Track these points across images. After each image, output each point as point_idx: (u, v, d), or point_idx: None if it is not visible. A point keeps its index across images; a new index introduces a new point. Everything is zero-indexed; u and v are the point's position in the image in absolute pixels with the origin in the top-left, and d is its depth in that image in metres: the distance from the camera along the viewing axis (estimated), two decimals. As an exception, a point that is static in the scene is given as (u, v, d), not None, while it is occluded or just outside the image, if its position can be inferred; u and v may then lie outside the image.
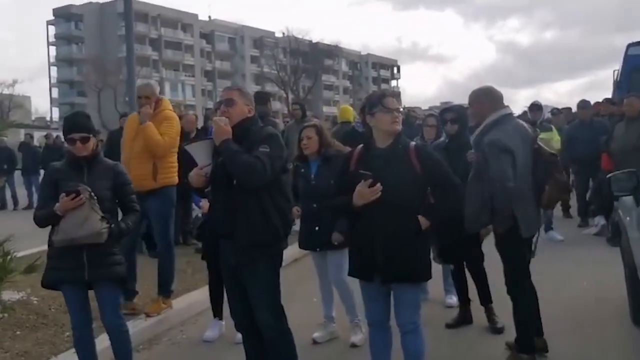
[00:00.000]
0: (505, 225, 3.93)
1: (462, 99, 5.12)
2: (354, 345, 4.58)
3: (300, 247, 4.83)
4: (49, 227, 3.69)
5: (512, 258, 4.06)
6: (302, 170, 4.62)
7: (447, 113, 4.88)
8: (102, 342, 4.48)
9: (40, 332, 4.80)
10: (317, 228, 4.51)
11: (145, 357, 4.62)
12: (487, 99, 4.13)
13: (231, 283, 3.56)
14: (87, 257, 3.57)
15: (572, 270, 6.28)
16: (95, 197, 3.56)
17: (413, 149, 3.43)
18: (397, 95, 4.13)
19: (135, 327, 4.94)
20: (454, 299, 5.41)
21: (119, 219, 3.82)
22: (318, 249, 4.66)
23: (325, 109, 69.67)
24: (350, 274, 3.66)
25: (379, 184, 3.24)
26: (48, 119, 65.43)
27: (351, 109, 10.82)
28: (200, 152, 3.45)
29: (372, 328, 3.63)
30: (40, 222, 3.69)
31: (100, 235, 3.54)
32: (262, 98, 8.02)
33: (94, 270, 3.60)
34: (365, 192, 3.27)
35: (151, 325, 5.06)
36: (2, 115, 47.73)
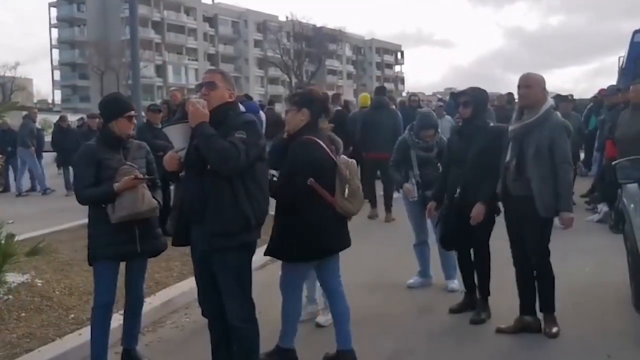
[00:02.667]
0: (571, 208, 4.36)
1: (467, 85, 5.09)
2: (319, 326, 4.73)
3: None
4: (48, 211, 3.76)
5: (547, 237, 4.40)
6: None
7: (461, 96, 4.79)
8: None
9: (44, 314, 4.83)
10: None
11: (150, 339, 4.64)
12: (543, 85, 4.38)
13: (200, 270, 3.50)
14: (138, 231, 3.82)
15: (574, 256, 6.28)
16: (141, 176, 3.80)
17: None
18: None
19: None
20: (456, 283, 5.46)
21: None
22: None
23: (329, 93, 69.28)
24: None
25: None
26: (50, 101, 65.34)
27: (369, 95, 10.74)
28: (177, 134, 3.39)
29: None
30: (90, 200, 3.83)
31: (156, 209, 3.86)
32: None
33: (144, 243, 3.86)
34: None
35: (156, 308, 5.09)
36: (4, 97, 47.66)
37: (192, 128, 3.28)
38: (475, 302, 4.90)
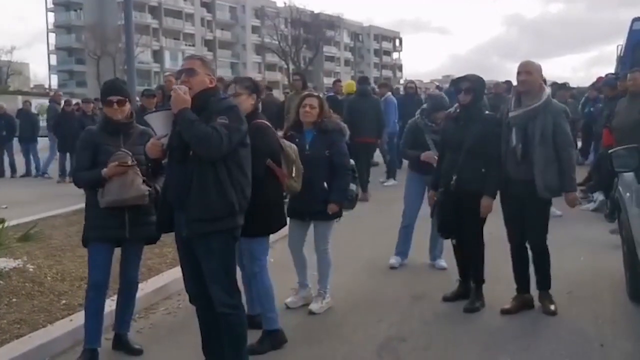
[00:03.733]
0: (575, 188, 4.57)
1: (464, 72, 5.09)
2: (311, 313, 4.72)
3: (288, 214, 4.69)
4: (43, 196, 3.74)
5: (547, 217, 4.61)
6: (297, 139, 4.60)
7: (463, 82, 4.76)
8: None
9: (36, 299, 4.80)
10: (306, 198, 4.48)
11: (142, 325, 4.63)
12: (541, 72, 4.58)
13: (185, 256, 3.48)
14: (128, 217, 3.83)
15: (569, 245, 6.27)
16: (135, 162, 3.77)
17: None
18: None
19: (133, 295, 4.96)
20: (444, 261, 5.71)
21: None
22: (308, 219, 4.74)
23: (326, 80, 69.07)
24: None
25: None
26: (47, 86, 64.98)
27: (354, 82, 11.25)
28: (158, 122, 3.38)
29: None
30: (82, 183, 3.93)
31: (145, 197, 3.80)
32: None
33: (134, 229, 3.86)
34: None
35: (148, 295, 5.06)
36: (1, 82, 47.45)
37: (175, 114, 3.25)
38: (469, 291, 4.89)
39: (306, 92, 5.05)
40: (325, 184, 4.62)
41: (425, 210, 5.52)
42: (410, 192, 5.94)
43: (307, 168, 4.38)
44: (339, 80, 12.45)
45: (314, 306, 4.77)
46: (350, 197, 4.75)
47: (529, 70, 4.48)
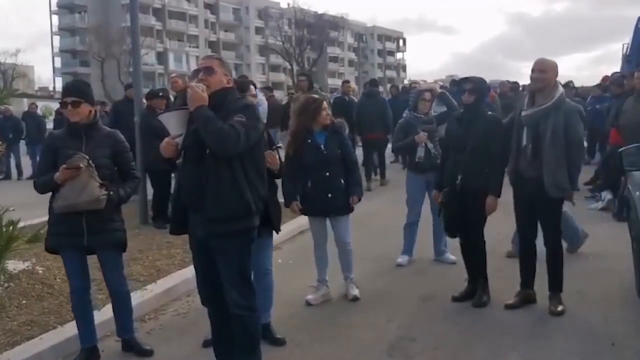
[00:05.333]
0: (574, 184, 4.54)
1: (468, 72, 5.33)
2: (355, 298, 4.97)
3: (307, 214, 5.00)
4: (50, 197, 3.74)
5: (559, 217, 4.63)
6: (310, 140, 4.77)
7: (466, 83, 4.86)
8: (104, 314, 4.53)
9: (46, 301, 4.82)
10: (329, 195, 4.79)
11: (151, 326, 4.64)
12: (557, 71, 4.53)
13: (199, 258, 3.46)
14: (86, 224, 3.69)
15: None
16: (94, 165, 3.65)
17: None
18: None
19: (142, 297, 4.98)
20: (452, 256, 5.80)
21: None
22: (332, 215, 4.92)
23: (330, 81, 69.19)
24: None
25: None
26: (51, 88, 65.15)
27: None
28: (172, 121, 3.34)
29: None
30: (40, 189, 3.79)
31: (99, 201, 3.64)
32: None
33: (92, 236, 3.72)
34: None
35: (157, 296, 5.08)
36: (5, 84, 47.55)
37: (191, 112, 3.24)
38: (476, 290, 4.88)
39: (316, 97, 5.17)
40: (342, 180, 4.85)
41: (427, 208, 5.77)
42: (411, 191, 6.07)
43: (326, 167, 4.76)
44: (347, 82, 12.70)
45: (353, 292, 5.02)
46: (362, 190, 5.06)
47: (542, 69, 4.45)
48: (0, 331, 4.24)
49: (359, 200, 4.98)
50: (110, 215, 3.78)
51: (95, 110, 3.90)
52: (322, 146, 4.79)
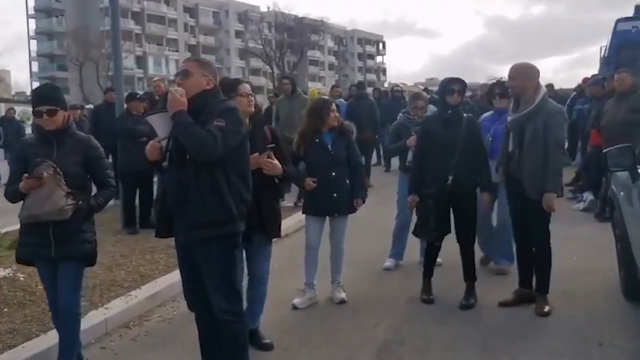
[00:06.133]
0: (559, 189, 4.48)
1: (448, 75, 5.27)
2: (342, 301, 4.99)
3: (309, 213, 5.03)
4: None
5: (547, 218, 4.57)
6: (317, 140, 4.88)
7: (455, 84, 4.87)
8: (89, 321, 4.46)
9: (28, 309, 4.72)
10: (335, 195, 4.86)
11: (136, 333, 4.57)
12: (536, 75, 4.54)
13: (183, 262, 3.42)
14: (53, 235, 3.51)
15: (561, 245, 6.20)
16: (61, 173, 3.47)
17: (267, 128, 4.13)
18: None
19: (127, 303, 4.91)
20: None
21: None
22: (336, 215, 4.98)
23: (311, 84, 69.10)
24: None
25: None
26: (28, 93, 64.28)
27: (317, 90, 12.68)
28: (159, 123, 3.28)
29: None
30: (9, 198, 3.65)
31: (63, 211, 3.46)
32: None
33: (60, 248, 3.53)
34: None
35: (142, 302, 5.01)
36: (-18, 89, 46.87)
37: (171, 116, 3.18)
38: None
39: (326, 98, 5.36)
40: (347, 181, 4.94)
41: None
42: (402, 193, 5.95)
43: (333, 167, 4.86)
44: (337, 86, 13.45)
45: (340, 295, 5.03)
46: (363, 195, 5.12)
47: (511, 76, 4.59)
48: (-18, 340, 4.15)
49: (363, 202, 5.06)
50: (80, 226, 3.58)
51: (68, 116, 3.71)
52: (329, 146, 4.89)
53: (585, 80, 12.45)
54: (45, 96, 3.62)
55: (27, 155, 3.61)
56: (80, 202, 3.54)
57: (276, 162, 3.94)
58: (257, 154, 3.80)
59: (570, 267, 5.69)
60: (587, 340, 4.11)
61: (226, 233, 3.24)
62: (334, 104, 5.06)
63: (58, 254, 3.54)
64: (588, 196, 8.49)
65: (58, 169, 3.46)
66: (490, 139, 5.37)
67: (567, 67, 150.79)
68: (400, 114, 6.21)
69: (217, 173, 3.18)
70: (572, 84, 13.99)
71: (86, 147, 3.67)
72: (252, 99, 3.92)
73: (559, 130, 4.55)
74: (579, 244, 6.45)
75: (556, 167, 4.44)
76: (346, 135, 5.03)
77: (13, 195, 3.60)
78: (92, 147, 3.72)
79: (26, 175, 3.45)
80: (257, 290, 4.18)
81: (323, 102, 5.05)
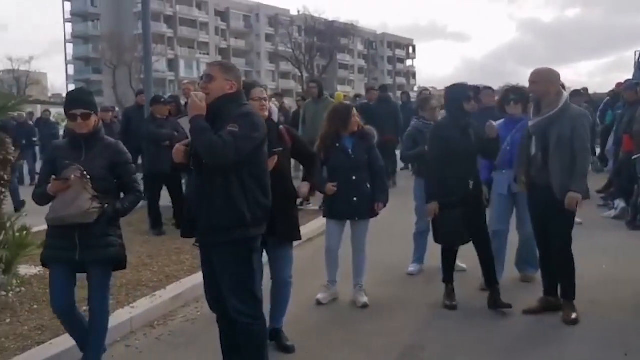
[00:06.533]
0: (584, 191, 4.45)
1: (478, 79, 5.34)
2: (365, 305, 4.99)
3: (330, 217, 5.08)
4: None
5: (571, 224, 4.56)
6: (338, 145, 4.95)
7: (471, 91, 4.90)
8: (116, 317, 4.54)
9: (56, 306, 4.81)
10: (355, 199, 4.92)
11: (160, 332, 4.63)
12: (558, 79, 4.55)
13: (204, 263, 3.47)
14: (79, 238, 3.53)
15: (590, 252, 6.17)
16: (89, 177, 3.49)
17: (284, 129, 4.19)
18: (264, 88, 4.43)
19: (152, 303, 4.98)
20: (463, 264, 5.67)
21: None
22: (357, 218, 5.02)
23: (340, 88, 69.19)
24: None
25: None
26: (64, 95, 65.69)
27: (342, 94, 13.39)
28: (186, 126, 3.29)
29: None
30: (37, 200, 3.69)
31: (89, 214, 3.47)
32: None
33: (85, 252, 3.55)
34: None
35: (166, 302, 5.07)
36: (19, 91, 48.05)
37: (189, 121, 3.20)
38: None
39: (347, 103, 5.44)
40: (369, 185, 4.97)
41: None
42: (419, 198, 5.95)
43: (353, 171, 4.92)
44: (373, 89, 13.50)
45: (363, 299, 5.03)
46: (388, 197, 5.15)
47: (534, 80, 4.57)
48: (12, 335, 4.26)
49: (384, 206, 5.07)
50: (105, 230, 3.59)
51: (98, 120, 3.75)
52: (349, 150, 4.94)
53: (618, 85, 12.23)
54: (80, 100, 3.68)
55: (55, 158, 3.67)
56: (106, 205, 3.55)
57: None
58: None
59: (599, 275, 5.60)
60: (613, 350, 4.04)
61: (238, 238, 3.24)
62: (354, 109, 5.08)
63: (83, 257, 3.56)
64: (620, 203, 8.31)
65: (85, 172, 3.49)
66: (508, 148, 5.21)
67: (602, 71, 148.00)
68: (414, 119, 6.09)
69: (231, 178, 3.18)
70: (607, 89, 13.72)
71: (114, 152, 3.70)
72: (265, 103, 3.96)
73: (585, 133, 4.51)
74: (609, 253, 6.33)
75: (583, 169, 4.48)
76: (367, 139, 5.06)
77: (40, 197, 3.64)
78: (120, 152, 3.74)
79: (54, 177, 3.49)
80: (281, 293, 4.20)
81: (345, 107, 5.08)
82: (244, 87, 3.59)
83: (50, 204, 3.61)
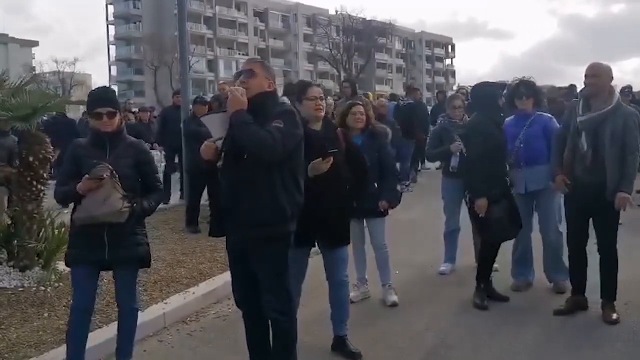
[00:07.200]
0: (632, 191, 4.45)
1: (519, 76, 5.18)
2: (394, 304, 4.99)
3: None
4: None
5: (617, 222, 4.54)
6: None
7: (502, 88, 5.03)
8: (150, 313, 4.64)
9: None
10: None
11: (193, 328, 4.73)
12: (611, 75, 4.50)
13: (235, 261, 3.47)
14: (108, 237, 3.51)
15: (629, 254, 5.91)
16: (117, 176, 3.48)
17: (340, 131, 4.08)
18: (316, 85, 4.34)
19: (185, 299, 5.08)
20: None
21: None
22: (362, 217, 4.95)
23: (378, 87, 68.96)
24: None
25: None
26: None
27: (370, 94, 13.64)
28: (214, 123, 3.33)
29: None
30: (61, 199, 3.65)
31: (121, 214, 3.47)
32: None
33: (114, 251, 3.53)
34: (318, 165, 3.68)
35: (199, 298, 5.17)
36: (64, 92, 49.41)
37: (230, 115, 3.22)
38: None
39: (351, 102, 5.21)
40: (376, 184, 4.85)
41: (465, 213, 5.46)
42: (448, 198, 5.95)
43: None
44: (416, 89, 14.29)
45: (392, 298, 5.04)
46: (399, 197, 5.08)
47: (596, 73, 4.44)
48: (49, 329, 4.40)
49: (389, 205, 4.93)
50: (133, 229, 3.59)
51: (122, 119, 3.75)
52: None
53: (662, 83, 11.86)
54: (105, 99, 3.66)
55: (79, 157, 3.59)
56: (135, 204, 3.55)
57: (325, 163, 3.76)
58: (319, 159, 3.69)
59: (635, 277, 5.46)
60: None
61: (280, 233, 3.29)
62: (358, 107, 4.90)
63: (112, 256, 3.54)
64: (661, 204, 8.06)
65: (114, 172, 3.48)
66: (521, 145, 5.07)
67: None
68: (440, 118, 6.12)
69: (273, 173, 3.22)
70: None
71: (137, 151, 3.70)
72: (321, 102, 3.86)
73: (636, 132, 4.44)
74: (647, 254, 6.15)
75: (634, 168, 4.43)
76: (378, 137, 4.98)
77: (66, 196, 3.58)
78: (143, 151, 3.76)
79: (87, 176, 3.42)
80: (337, 294, 4.11)
81: (347, 105, 5.01)
82: (299, 86, 3.59)
83: (73, 204, 3.57)
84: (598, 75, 4.42)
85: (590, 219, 4.60)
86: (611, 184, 4.35)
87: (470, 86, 10.10)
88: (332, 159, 3.71)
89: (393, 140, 9.63)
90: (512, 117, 5.30)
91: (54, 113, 11.57)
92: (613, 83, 4.56)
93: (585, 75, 4.46)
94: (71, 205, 3.63)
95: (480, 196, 4.79)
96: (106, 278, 4.67)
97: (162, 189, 3.91)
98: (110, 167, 3.47)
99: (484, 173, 4.80)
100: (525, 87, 5.19)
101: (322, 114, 3.89)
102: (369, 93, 13.76)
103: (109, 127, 3.60)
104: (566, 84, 13.78)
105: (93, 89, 4.00)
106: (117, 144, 3.64)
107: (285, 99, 5.14)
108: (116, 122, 3.64)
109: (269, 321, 3.47)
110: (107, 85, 69.26)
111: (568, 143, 4.58)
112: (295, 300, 3.55)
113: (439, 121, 6.10)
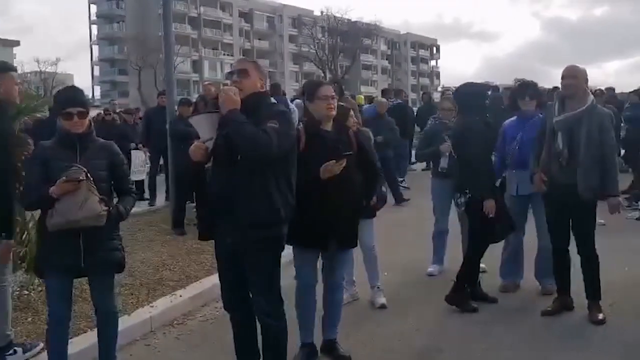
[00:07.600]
0: (618, 192, 4.54)
1: (501, 78, 5.32)
2: (383, 306, 4.97)
3: None
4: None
5: (593, 223, 4.59)
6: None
7: (492, 89, 4.93)
8: (136, 317, 4.59)
9: (77, 305, 4.76)
10: None
11: (180, 331, 4.68)
12: (587, 77, 4.60)
13: (226, 263, 3.42)
14: (84, 242, 3.36)
15: (613, 254, 6.03)
16: (92, 178, 3.33)
17: (353, 133, 3.93)
18: (332, 84, 4.27)
19: (171, 302, 5.04)
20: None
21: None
22: None
23: (364, 88, 69.12)
24: None
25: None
26: (90, 96, 66.62)
27: (362, 97, 14.26)
28: (203, 124, 3.29)
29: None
30: (29, 204, 3.53)
31: (100, 217, 3.31)
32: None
33: (91, 257, 3.39)
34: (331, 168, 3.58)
35: (186, 301, 5.12)
36: (46, 92, 48.89)
37: (223, 116, 3.18)
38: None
39: (343, 105, 5.14)
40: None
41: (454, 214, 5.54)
42: (437, 199, 5.96)
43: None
44: (401, 90, 14.78)
45: (381, 300, 5.01)
46: (384, 197, 5.05)
47: (574, 75, 4.53)
48: (33, 334, 4.28)
49: (375, 207, 4.79)
50: (109, 233, 3.45)
51: (91, 120, 3.60)
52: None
53: (645, 84, 11.99)
54: (76, 98, 3.53)
55: (47, 159, 3.40)
56: (111, 208, 3.42)
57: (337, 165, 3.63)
58: (333, 161, 3.60)
59: (620, 278, 5.51)
60: (635, 355, 3.98)
61: (274, 235, 3.27)
62: (352, 111, 4.82)
63: (88, 262, 3.39)
64: (644, 205, 8.18)
65: (89, 174, 3.32)
66: (517, 147, 5.08)
67: (630, 71, 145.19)
68: (431, 119, 6.18)
69: (268, 174, 3.19)
70: (633, 88, 13.41)
71: (110, 153, 3.55)
72: (333, 102, 3.74)
73: (612, 132, 4.58)
74: (632, 255, 6.22)
75: (615, 170, 4.53)
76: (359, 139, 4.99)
77: (40, 201, 3.37)
78: (117, 153, 3.62)
79: (63, 178, 3.23)
80: (333, 296, 4.05)
81: (342, 109, 5.00)
82: (311, 85, 3.56)
83: (40, 210, 3.45)
84: (575, 76, 4.51)
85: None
86: (582, 185, 4.39)
87: (454, 87, 10.14)
88: (345, 161, 3.63)
89: (393, 140, 9.71)
90: (513, 118, 5.33)
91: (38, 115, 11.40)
92: (597, 84, 4.68)
93: (562, 77, 4.55)
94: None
95: (489, 197, 4.74)
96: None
97: (135, 192, 3.79)
98: (84, 169, 3.32)
99: (485, 173, 4.82)
100: (530, 89, 5.23)
101: (334, 113, 3.77)
102: (360, 96, 13.94)
103: (80, 128, 3.45)
104: (550, 86, 13.88)
105: (60, 88, 3.85)
106: (87, 145, 3.48)
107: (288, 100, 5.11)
108: (86, 122, 3.50)
109: (258, 324, 3.44)
110: (91, 85, 68.99)
111: (545, 143, 4.63)
112: (283, 303, 3.50)
113: (430, 122, 6.15)
